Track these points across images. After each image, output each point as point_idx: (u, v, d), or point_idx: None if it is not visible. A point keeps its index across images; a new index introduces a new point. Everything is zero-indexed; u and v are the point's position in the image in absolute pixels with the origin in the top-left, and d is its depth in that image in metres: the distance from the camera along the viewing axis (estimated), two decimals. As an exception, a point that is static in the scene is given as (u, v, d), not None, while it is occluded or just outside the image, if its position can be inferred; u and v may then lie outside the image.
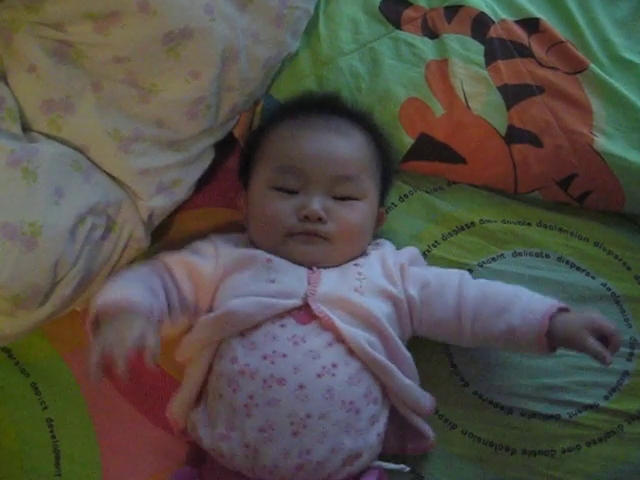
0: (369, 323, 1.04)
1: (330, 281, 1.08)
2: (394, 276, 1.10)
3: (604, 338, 1.01)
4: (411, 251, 1.17)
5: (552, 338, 1.03)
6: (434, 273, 1.13)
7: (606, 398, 1.15)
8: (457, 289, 1.09)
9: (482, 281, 1.11)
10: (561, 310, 1.04)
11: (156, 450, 1.12)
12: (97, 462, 1.11)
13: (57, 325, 1.14)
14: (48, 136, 1.04)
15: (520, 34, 1.28)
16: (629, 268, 1.24)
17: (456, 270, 1.13)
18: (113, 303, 0.99)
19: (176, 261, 1.10)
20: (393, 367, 1.03)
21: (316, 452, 0.96)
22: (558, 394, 1.14)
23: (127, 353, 0.91)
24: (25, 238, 0.97)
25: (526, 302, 1.06)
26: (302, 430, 0.97)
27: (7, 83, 1.02)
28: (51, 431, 1.13)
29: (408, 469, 1.06)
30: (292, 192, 1.12)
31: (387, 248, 1.17)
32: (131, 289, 1.02)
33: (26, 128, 1.03)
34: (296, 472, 0.96)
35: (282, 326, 1.03)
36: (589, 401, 1.14)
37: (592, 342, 1.00)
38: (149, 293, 1.03)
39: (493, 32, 1.28)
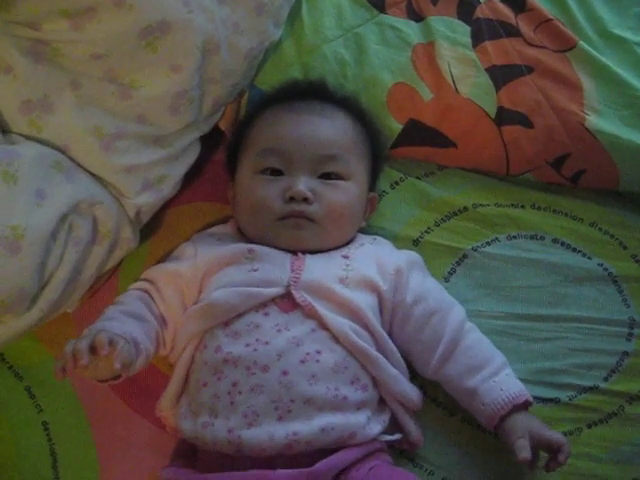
0: (353, 314, 1.04)
1: (315, 269, 1.07)
2: (386, 274, 1.09)
3: (552, 450, 1.00)
4: (411, 256, 1.15)
5: (502, 422, 1.02)
6: (436, 294, 1.12)
7: (606, 379, 1.14)
8: (451, 325, 1.07)
9: (472, 326, 1.10)
10: (526, 403, 1.03)
11: (153, 448, 1.11)
12: (94, 463, 1.11)
13: (49, 327, 1.13)
14: (28, 137, 1.03)
15: (507, 13, 1.27)
16: (625, 247, 1.23)
17: (458, 304, 1.12)
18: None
19: (159, 274, 1.12)
20: (379, 355, 1.03)
21: (303, 433, 0.96)
22: (557, 377, 1.14)
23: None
24: (8, 242, 0.96)
25: (500, 376, 1.05)
26: (287, 415, 0.97)
27: (-17, 86, 1.01)
28: (47, 434, 1.13)
29: (400, 435, 1.05)
30: (277, 174, 1.12)
31: (385, 247, 1.17)
32: (116, 323, 1.02)
33: (6, 130, 1.02)
34: (285, 450, 0.96)
35: (265, 314, 1.03)
36: (589, 383, 1.13)
37: (520, 442, 0.98)
38: (134, 321, 1.04)
39: (479, 12, 1.27)
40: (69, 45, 1.02)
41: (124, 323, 1.02)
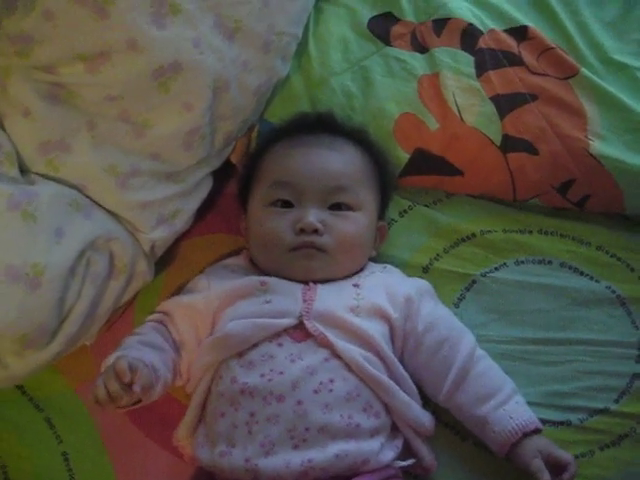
0: (365, 342, 1.06)
1: (326, 298, 1.09)
2: (397, 303, 1.11)
3: (558, 468, 1.02)
4: (421, 284, 1.17)
5: (513, 449, 1.03)
6: (446, 322, 1.13)
7: (616, 401, 1.15)
8: (462, 353, 1.09)
9: (483, 354, 1.11)
10: (536, 430, 1.04)
11: (171, 477, 1.13)
12: (114, 492, 1.13)
13: (68, 360, 1.15)
14: (46, 177, 1.06)
15: (509, 43, 1.29)
16: (632, 269, 1.24)
17: (468, 332, 1.13)
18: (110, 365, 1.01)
19: (173, 307, 1.14)
20: (391, 383, 1.04)
21: (318, 460, 0.98)
22: (568, 400, 1.15)
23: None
24: (29, 279, 0.99)
25: (510, 404, 1.06)
26: (302, 444, 0.99)
27: (3, 128, 1.04)
28: (67, 464, 1.15)
29: (414, 460, 1.06)
30: (288, 206, 1.14)
31: (395, 275, 1.19)
32: (134, 351, 1.05)
33: (24, 170, 1.05)
34: (301, 477, 0.97)
35: (279, 345, 1.05)
36: (599, 405, 1.14)
37: (536, 462, 1.01)
38: (152, 350, 1.06)
39: (482, 43, 1.29)
40: (84, 87, 1.05)
41: (142, 351, 1.04)
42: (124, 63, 1.04)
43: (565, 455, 1.03)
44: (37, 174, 1.05)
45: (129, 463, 1.15)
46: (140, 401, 1.02)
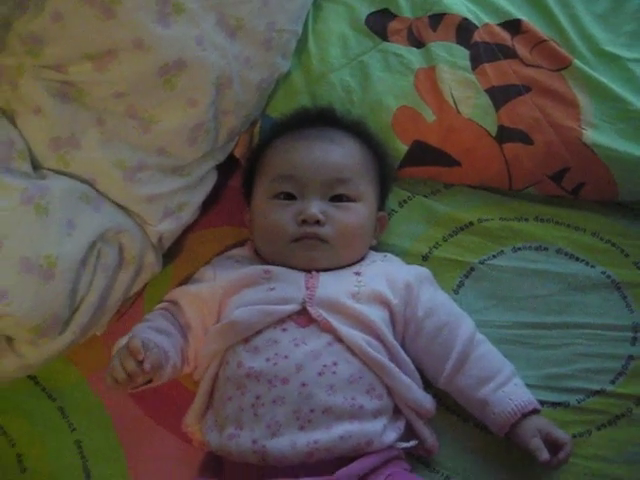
0: (367, 327, 1.09)
1: (328, 286, 1.13)
2: (397, 289, 1.14)
3: (556, 447, 1.05)
4: (421, 271, 1.20)
5: (513, 429, 1.07)
6: (446, 307, 1.16)
7: (612, 382, 1.17)
8: (461, 337, 1.12)
9: (482, 338, 1.14)
10: (534, 411, 1.08)
11: (181, 462, 1.16)
12: (126, 478, 1.16)
13: (79, 350, 1.19)
14: (57, 172, 1.09)
15: (503, 36, 1.32)
16: (627, 255, 1.27)
17: (467, 317, 1.16)
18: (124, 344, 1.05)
19: (181, 295, 1.18)
20: (392, 366, 1.08)
21: (323, 440, 1.01)
22: (565, 382, 1.18)
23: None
24: (42, 270, 1.02)
25: (509, 386, 1.09)
26: (307, 424, 1.02)
27: (16, 125, 1.08)
28: (80, 452, 1.18)
29: (416, 442, 1.09)
30: (290, 199, 1.17)
31: (395, 263, 1.22)
32: (145, 334, 1.08)
33: (36, 166, 1.09)
34: (307, 458, 1.01)
35: (283, 330, 1.08)
36: (596, 387, 1.17)
37: (535, 440, 1.04)
38: (160, 335, 1.10)
39: (477, 36, 1.32)
40: (93, 85, 1.09)
41: (152, 335, 1.08)
42: (131, 61, 1.07)
43: (563, 435, 1.06)
44: (48, 169, 1.09)
45: (140, 449, 1.18)
46: (151, 381, 1.05)
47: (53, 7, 1.02)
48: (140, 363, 1.01)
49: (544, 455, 1.03)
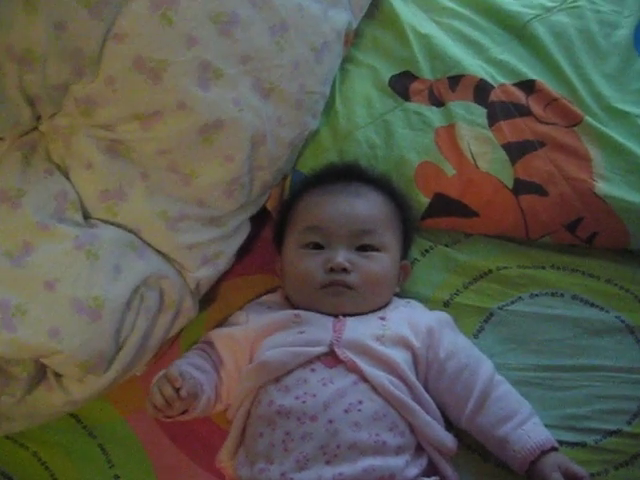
0: (390, 368, 1.15)
1: (354, 329, 1.19)
2: (419, 333, 1.20)
3: None
4: (442, 316, 1.25)
5: (532, 466, 1.10)
6: (466, 350, 1.21)
7: (629, 423, 1.21)
8: (481, 378, 1.16)
9: (501, 379, 1.18)
10: (553, 448, 1.11)
11: (216, 498, 1.21)
12: (162, 513, 1.21)
13: (119, 390, 1.25)
14: (105, 222, 1.17)
15: (518, 95, 1.39)
16: (640, 300, 1.32)
17: (487, 359, 1.20)
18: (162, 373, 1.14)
19: (215, 337, 1.24)
20: (414, 405, 1.13)
21: (348, 473, 1.06)
22: (582, 423, 1.21)
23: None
24: (91, 310, 1.10)
25: (528, 425, 1.13)
26: (334, 459, 1.07)
27: (69, 179, 1.17)
28: (119, 487, 1.23)
29: (438, 478, 1.12)
30: (318, 248, 1.24)
31: (418, 309, 1.28)
32: (182, 367, 1.16)
33: (87, 216, 1.17)
34: None
35: (312, 370, 1.14)
36: (613, 427, 1.20)
37: (555, 475, 1.08)
38: (196, 370, 1.17)
39: (494, 96, 1.39)
40: (139, 143, 1.17)
41: (189, 369, 1.15)
42: (174, 121, 1.16)
43: (581, 470, 1.10)
44: (98, 219, 1.17)
45: (176, 486, 1.23)
46: (186, 411, 1.12)
47: (107, 73, 1.11)
48: (177, 390, 1.08)
49: None
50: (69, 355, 1.09)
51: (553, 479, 1.08)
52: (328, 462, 1.07)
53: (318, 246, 1.25)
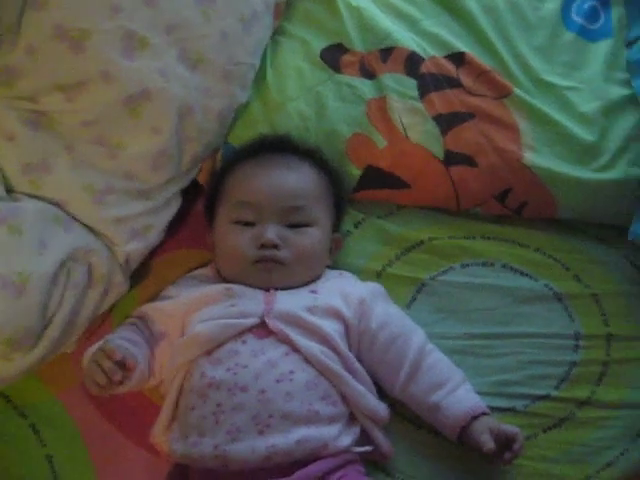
0: (322, 338, 1.15)
1: (285, 301, 1.19)
2: (351, 304, 1.21)
3: (507, 442, 1.11)
4: (374, 287, 1.27)
5: (464, 431, 1.13)
6: (398, 320, 1.22)
7: (556, 388, 1.24)
8: (413, 347, 1.18)
9: (433, 348, 1.20)
10: (483, 414, 1.13)
11: (149, 473, 1.20)
12: (96, 491, 1.20)
13: (49, 367, 1.23)
14: (29, 195, 1.15)
15: (449, 68, 1.40)
16: (568, 268, 1.35)
17: (419, 328, 1.22)
18: (98, 347, 1.12)
19: (146, 311, 1.24)
20: (346, 374, 1.14)
21: (281, 445, 1.06)
22: (513, 388, 1.23)
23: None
24: (15, 286, 1.08)
25: (459, 392, 1.15)
26: (266, 429, 1.07)
27: (-11, 152, 1.14)
28: (51, 466, 1.21)
29: (371, 447, 1.14)
30: (249, 224, 1.24)
31: (349, 280, 1.28)
32: (114, 342, 1.14)
33: (9, 190, 1.14)
34: (265, 461, 1.06)
35: (243, 342, 1.14)
36: (541, 392, 1.23)
37: (484, 435, 1.09)
38: (129, 344, 1.16)
39: (424, 68, 1.40)
40: (63, 115, 1.15)
41: (122, 343, 1.14)
42: (98, 92, 1.14)
43: (511, 428, 1.12)
44: (21, 193, 1.15)
45: (110, 462, 1.22)
46: (121, 383, 1.10)
47: (26, 42, 1.09)
48: (118, 362, 1.07)
49: (489, 444, 1.08)
50: (-7, 331, 1.07)
51: (482, 440, 1.10)
52: (261, 432, 1.07)
53: (249, 222, 1.25)
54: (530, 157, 1.35)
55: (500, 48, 1.44)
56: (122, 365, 1.08)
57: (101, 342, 1.14)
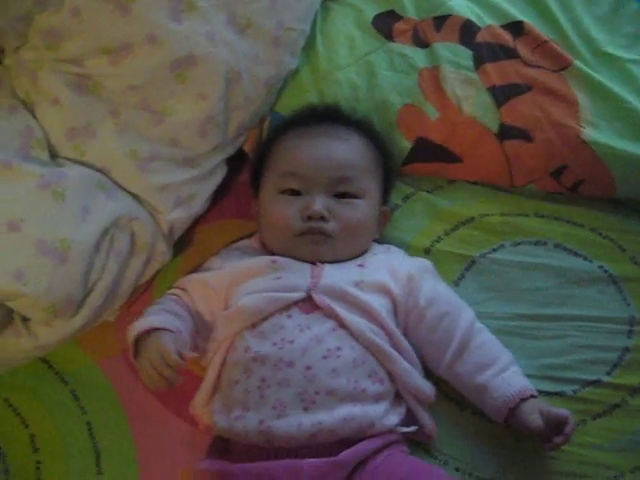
0: (369, 314, 1.13)
1: (332, 275, 1.16)
2: (399, 280, 1.18)
3: (558, 425, 1.07)
4: (423, 263, 1.24)
5: (511, 413, 1.09)
6: (447, 297, 1.19)
7: (608, 373, 1.20)
8: (461, 325, 1.15)
9: (481, 327, 1.17)
10: (532, 397, 1.10)
11: (188, 445, 1.20)
12: (134, 459, 1.20)
13: (91, 335, 1.23)
14: (73, 161, 1.14)
15: (506, 37, 1.36)
16: (624, 250, 1.30)
17: (467, 307, 1.19)
18: (146, 329, 1.11)
19: (189, 282, 1.22)
20: (393, 351, 1.11)
21: (327, 422, 1.04)
22: (562, 372, 1.20)
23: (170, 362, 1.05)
24: (57, 253, 1.07)
25: (508, 373, 1.12)
26: (311, 406, 1.05)
27: (35, 116, 1.13)
28: (90, 433, 1.22)
29: (416, 427, 1.12)
30: (296, 193, 1.21)
31: (398, 255, 1.25)
32: (160, 317, 1.13)
33: (53, 155, 1.14)
34: (311, 438, 1.04)
35: (289, 316, 1.12)
36: (592, 377, 1.20)
37: (534, 416, 1.06)
38: (174, 317, 1.14)
39: (480, 37, 1.35)
40: (108, 78, 1.13)
41: (166, 318, 1.12)
42: (144, 56, 1.12)
43: (562, 410, 1.09)
44: (65, 158, 1.14)
45: (148, 432, 1.22)
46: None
47: (72, 3, 1.07)
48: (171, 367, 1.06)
49: (538, 422, 1.05)
50: (35, 298, 1.06)
51: (531, 420, 1.07)
52: (306, 409, 1.05)
53: (296, 192, 1.22)
54: (589, 133, 1.29)
55: (560, 18, 1.38)
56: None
57: (143, 316, 1.12)
